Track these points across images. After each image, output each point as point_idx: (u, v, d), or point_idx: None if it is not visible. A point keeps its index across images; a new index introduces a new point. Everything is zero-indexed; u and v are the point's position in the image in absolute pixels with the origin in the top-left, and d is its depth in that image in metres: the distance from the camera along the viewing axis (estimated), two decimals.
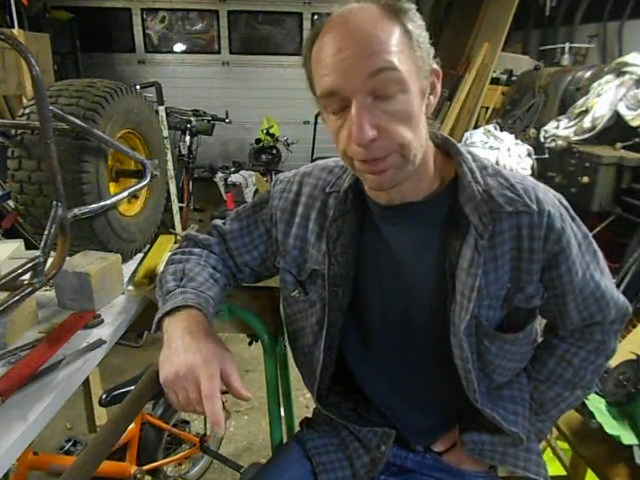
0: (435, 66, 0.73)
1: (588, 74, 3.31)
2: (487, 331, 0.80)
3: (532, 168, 3.18)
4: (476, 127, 4.07)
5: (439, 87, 0.75)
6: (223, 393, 0.70)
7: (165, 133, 2.88)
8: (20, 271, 0.92)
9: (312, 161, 1.02)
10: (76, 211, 1.07)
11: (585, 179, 2.77)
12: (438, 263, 0.80)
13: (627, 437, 1.06)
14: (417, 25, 0.70)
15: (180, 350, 0.72)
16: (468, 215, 0.75)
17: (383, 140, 0.67)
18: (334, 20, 0.68)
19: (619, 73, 2.94)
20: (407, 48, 0.67)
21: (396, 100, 0.67)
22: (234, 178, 4.00)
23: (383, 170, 0.70)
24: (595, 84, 3.06)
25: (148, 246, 1.45)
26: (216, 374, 0.69)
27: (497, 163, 2.96)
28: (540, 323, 0.91)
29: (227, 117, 4.35)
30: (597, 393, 1.17)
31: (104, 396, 1.51)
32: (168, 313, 0.79)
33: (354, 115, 0.66)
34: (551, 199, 0.79)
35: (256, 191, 4.11)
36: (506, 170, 0.81)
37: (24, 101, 2.75)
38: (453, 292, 0.78)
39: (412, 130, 0.69)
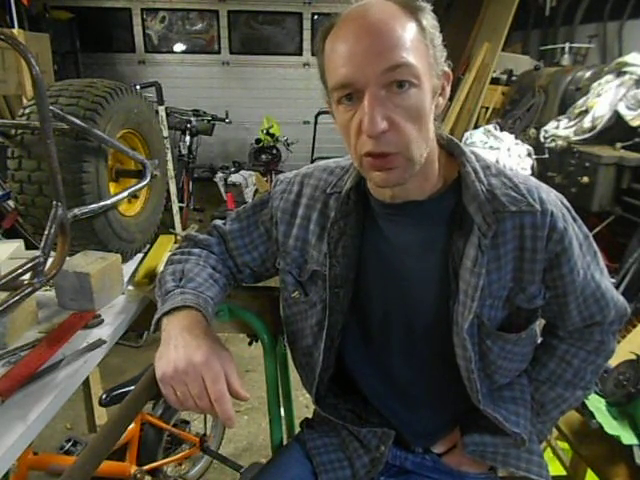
0: (446, 69, 0.73)
1: (588, 74, 3.31)
2: (489, 331, 0.80)
3: (532, 168, 3.17)
4: (476, 127, 4.07)
5: (448, 89, 0.75)
6: None
7: (165, 133, 2.88)
8: (20, 271, 0.91)
9: (312, 161, 1.02)
10: (76, 211, 1.07)
11: (585, 179, 2.77)
12: (441, 262, 0.80)
13: (627, 437, 1.06)
14: (432, 25, 0.70)
15: (179, 346, 0.71)
16: (471, 214, 0.76)
17: (393, 134, 0.67)
18: (351, 13, 0.69)
19: (619, 73, 2.94)
20: (422, 45, 0.68)
21: (409, 95, 0.67)
22: (234, 178, 4.01)
23: (390, 169, 0.70)
24: (595, 84, 3.06)
25: (148, 246, 1.45)
26: (221, 375, 0.69)
27: (497, 163, 2.95)
28: (539, 324, 0.91)
29: (227, 117, 4.35)
30: (597, 393, 1.17)
31: (104, 396, 1.51)
32: (167, 313, 0.79)
33: (366, 106, 0.66)
34: (554, 199, 0.79)
35: (256, 191, 4.11)
36: (509, 170, 0.81)
37: (24, 101, 2.74)
38: (456, 292, 0.78)
39: (420, 129, 0.69)
